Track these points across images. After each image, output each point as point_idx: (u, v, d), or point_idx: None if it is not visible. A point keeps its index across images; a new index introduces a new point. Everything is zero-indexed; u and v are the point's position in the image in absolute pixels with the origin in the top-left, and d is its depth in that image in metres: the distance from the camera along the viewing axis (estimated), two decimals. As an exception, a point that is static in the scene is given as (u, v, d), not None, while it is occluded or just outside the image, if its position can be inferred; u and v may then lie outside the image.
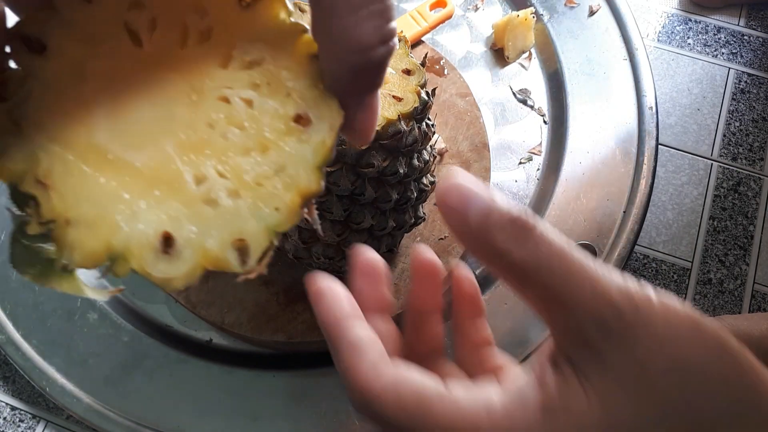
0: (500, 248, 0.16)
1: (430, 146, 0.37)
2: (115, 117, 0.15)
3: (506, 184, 0.49)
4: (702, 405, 0.16)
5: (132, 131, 0.15)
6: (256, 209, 0.15)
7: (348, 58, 0.15)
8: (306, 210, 0.15)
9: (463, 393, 0.17)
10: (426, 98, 0.32)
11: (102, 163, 0.14)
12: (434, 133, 0.36)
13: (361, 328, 0.19)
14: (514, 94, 0.53)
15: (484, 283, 0.46)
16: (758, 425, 0.16)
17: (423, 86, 0.33)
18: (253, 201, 0.15)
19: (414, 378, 0.18)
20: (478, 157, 0.47)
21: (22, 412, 0.45)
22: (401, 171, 0.33)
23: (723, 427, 0.16)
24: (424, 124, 0.34)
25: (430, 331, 0.22)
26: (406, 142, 0.32)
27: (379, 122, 0.30)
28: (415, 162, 0.34)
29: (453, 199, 0.17)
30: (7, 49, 0.15)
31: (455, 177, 0.17)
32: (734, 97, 0.58)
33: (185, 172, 0.14)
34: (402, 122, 0.31)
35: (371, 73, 0.16)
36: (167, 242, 0.14)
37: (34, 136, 0.14)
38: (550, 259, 0.16)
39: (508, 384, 0.18)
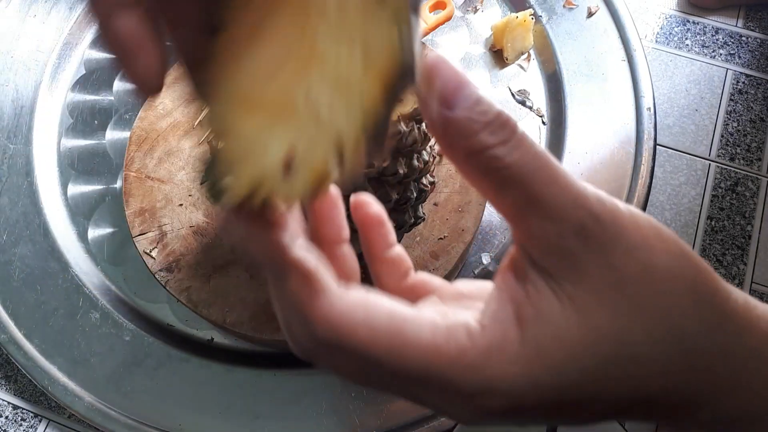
0: (484, 144, 0.15)
1: (430, 147, 0.37)
2: (256, 65, 0.16)
3: (505, 185, 0.50)
4: (671, 307, 0.16)
5: (265, 73, 0.16)
6: (348, 111, 0.15)
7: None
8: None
9: (438, 316, 0.16)
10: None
11: (247, 108, 0.16)
12: None
13: (309, 251, 0.16)
14: (512, 95, 0.53)
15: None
16: (717, 323, 0.16)
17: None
18: (345, 104, 0.15)
19: (383, 301, 0.16)
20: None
21: (24, 411, 0.45)
22: (401, 171, 0.33)
23: (690, 327, 0.16)
24: (423, 124, 0.34)
25: (346, 261, 0.19)
26: (406, 142, 0.32)
27: None
28: (415, 162, 0.35)
29: (444, 76, 0.16)
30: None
31: (445, 60, 0.16)
32: (732, 97, 0.58)
33: (299, 97, 0.15)
34: (402, 123, 0.31)
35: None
36: (287, 166, 0.15)
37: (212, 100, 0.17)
38: (535, 162, 0.15)
39: (477, 303, 0.17)
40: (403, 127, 0.31)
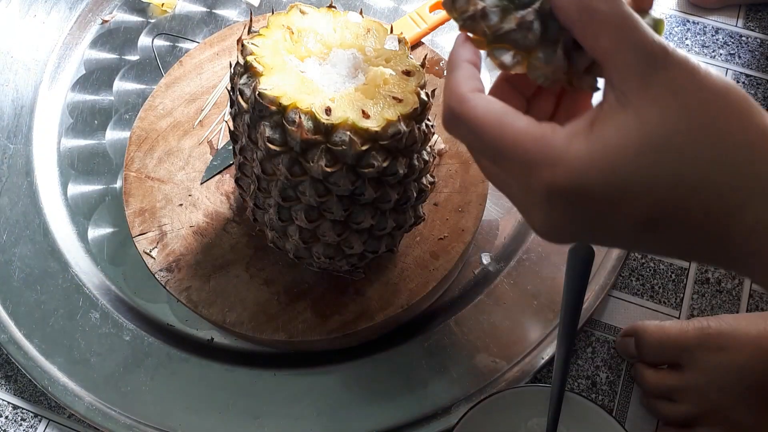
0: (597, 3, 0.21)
1: (430, 147, 0.37)
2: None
3: (505, 185, 0.50)
4: (714, 113, 0.20)
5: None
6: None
7: None
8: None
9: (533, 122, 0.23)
10: (426, 99, 0.33)
11: None
12: (434, 133, 0.36)
13: (470, 64, 0.25)
14: (513, 94, 0.53)
15: (483, 282, 0.46)
16: (758, 137, 0.20)
17: (423, 87, 0.33)
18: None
19: (501, 103, 0.23)
20: (478, 158, 0.47)
21: (24, 410, 0.45)
22: (401, 171, 0.33)
23: (730, 131, 0.20)
24: (423, 124, 0.34)
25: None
26: (406, 142, 0.32)
27: (379, 123, 0.30)
28: (415, 162, 0.35)
29: None
30: None
31: None
32: (732, 97, 0.58)
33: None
34: (402, 123, 0.31)
35: None
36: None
37: None
38: (624, 13, 0.21)
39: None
40: (403, 127, 0.31)
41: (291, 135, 0.30)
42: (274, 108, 0.30)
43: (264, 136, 0.31)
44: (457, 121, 0.24)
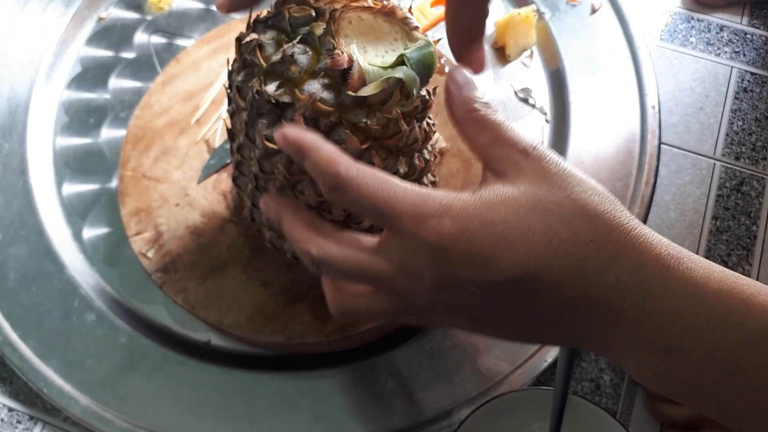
0: (476, 107, 0.28)
1: (431, 145, 0.37)
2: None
3: (507, 184, 0.49)
4: (577, 195, 0.25)
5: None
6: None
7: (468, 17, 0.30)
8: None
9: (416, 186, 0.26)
10: (427, 97, 0.32)
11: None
12: (435, 132, 0.36)
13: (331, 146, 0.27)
14: (515, 92, 0.53)
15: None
16: (607, 243, 0.24)
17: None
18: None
19: (380, 171, 0.26)
20: (479, 157, 0.46)
21: (20, 413, 0.45)
22: (401, 170, 0.32)
23: (587, 215, 0.24)
24: (425, 123, 0.33)
25: None
26: (407, 141, 0.32)
27: (380, 121, 0.30)
28: (416, 161, 0.34)
29: (458, 80, 0.29)
30: None
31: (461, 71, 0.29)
32: (737, 96, 0.57)
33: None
34: (402, 121, 0.31)
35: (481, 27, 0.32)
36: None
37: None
38: (499, 119, 0.27)
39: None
40: (403, 125, 0.31)
41: None
42: (272, 104, 0.30)
43: (262, 134, 0.31)
44: (345, 189, 0.25)
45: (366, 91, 0.28)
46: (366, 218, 0.28)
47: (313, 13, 0.30)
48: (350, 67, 0.28)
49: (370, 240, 0.27)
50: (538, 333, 0.26)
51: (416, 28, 0.30)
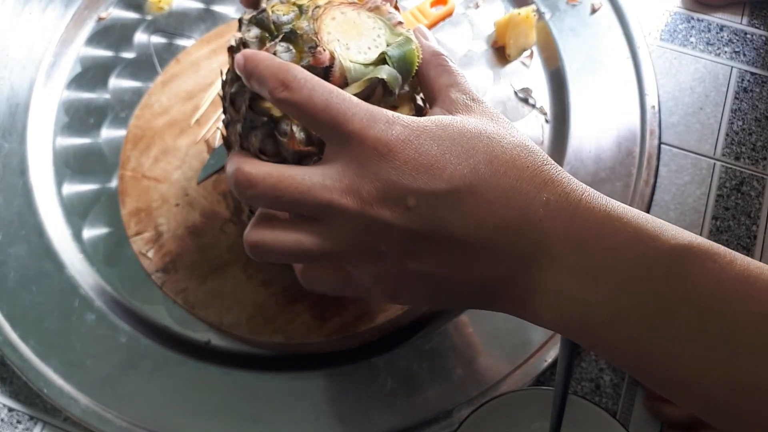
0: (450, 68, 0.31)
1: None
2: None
3: (507, 184, 0.49)
4: (516, 134, 0.27)
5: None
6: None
7: None
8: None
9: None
10: (422, 104, 0.32)
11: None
12: None
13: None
14: (515, 92, 0.53)
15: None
16: (533, 176, 0.26)
17: (418, 93, 0.32)
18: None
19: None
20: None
21: (20, 413, 0.44)
22: None
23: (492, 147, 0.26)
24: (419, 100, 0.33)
25: None
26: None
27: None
28: None
29: (424, 32, 0.33)
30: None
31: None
32: (737, 96, 0.57)
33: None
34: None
35: None
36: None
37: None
38: (456, 70, 0.30)
39: None
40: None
41: (283, 146, 0.30)
42: (265, 119, 0.30)
43: (255, 147, 0.31)
44: (298, 88, 0.25)
45: (348, 91, 0.28)
46: (312, 128, 0.26)
47: (297, 10, 0.30)
48: (332, 65, 0.28)
49: (307, 167, 0.26)
50: (466, 267, 0.25)
51: (400, 23, 0.30)
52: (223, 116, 0.35)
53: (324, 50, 0.28)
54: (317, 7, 0.30)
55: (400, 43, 0.29)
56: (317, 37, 0.29)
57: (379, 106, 0.28)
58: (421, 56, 0.30)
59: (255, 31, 0.31)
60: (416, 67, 0.30)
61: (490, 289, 0.26)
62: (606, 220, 0.24)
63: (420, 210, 0.24)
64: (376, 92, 0.29)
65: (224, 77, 0.33)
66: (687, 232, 0.24)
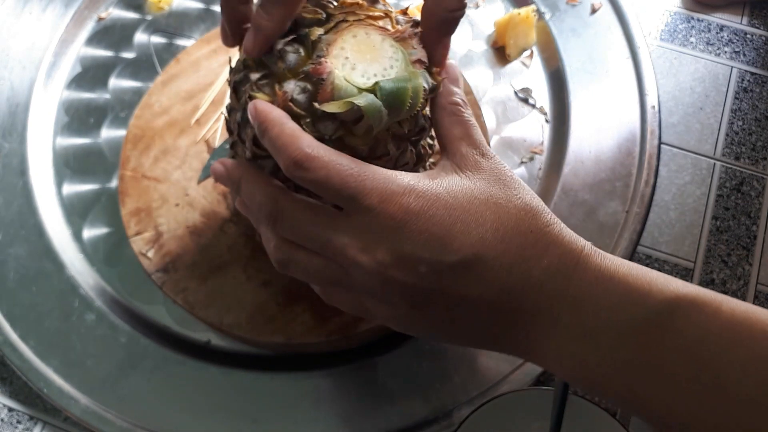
0: (460, 102, 0.31)
1: (429, 143, 0.36)
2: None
3: (507, 184, 0.49)
4: (522, 196, 0.28)
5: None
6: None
7: (440, 14, 0.29)
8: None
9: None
10: (422, 152, 0.32)
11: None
12: (431, 153, 0.36)
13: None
14: (515, 92, 0.53)
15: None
16: (537, 238, 0.27)
17: (423, 137, 0.33)
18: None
19: (343, 154, 0.27)
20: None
21: (20, 413, 0.44)
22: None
23: (520, 220, 0.28)
24: (420, 145, 0.33)
25: None
26: (396, 163, 0.32)
27: (365, 141, 0.30)
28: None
29: (450, 72, 0.32)
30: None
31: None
32: (737, 96, 0.57)
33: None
34: (392, 144, 0.30)
35: (452, 24, 0.30)
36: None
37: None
38: (472, 120, 0.30)
39: None
40: (392, 148, 0.30)
41: None
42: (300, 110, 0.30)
43: (250, 137, 0.31)
44: (309, 166, 0.26)
45: (327, 107, 0.27)
46: (327, 197, 0.27)
47: (323, 17, 0.30)
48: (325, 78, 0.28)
49: (331, 209, 0.28)
50: (471, 326, 0.28)
51: (419, 61, 0.29)
52: (226, 105, 0.35)
53: (326, 62, 0.28)
54: (344, 20, 0.29)
55: (399, 78, 0.28)
56: (327, 49, 0.28)
57: (368, 131, 0.29)
58: (426, 98, 0.29)
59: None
60: (409, 106, 0.28)
61: (491, 339, 0.28)
62: (599, 282, 0.26)
63: (430, 276, 0.26)
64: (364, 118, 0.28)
65: (232, 64, 0.33)
66: (674, 282, 0.26)
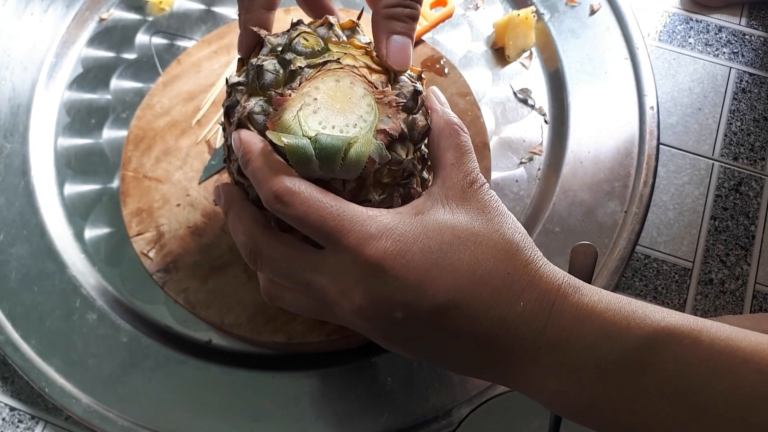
0: (461, 127, 0.31)
1: (423, 177, 0.36)
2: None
3: (507, 184, 0.49)
4: (504, 230, 0.27)
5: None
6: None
7: (380, 11, 0.29)
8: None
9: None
10: (411, 167, 0.32)
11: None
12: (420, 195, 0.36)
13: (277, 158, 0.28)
14: (514, 93, 0.53)
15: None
16: (519, 277, 0.26)
17: (400, 183, 0.32)
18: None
19: (325, 191, 0.27)
20: (479, 157, 0.47)
21: (21, 412, 0.45)
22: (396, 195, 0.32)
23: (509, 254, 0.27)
24: (409, 186, 0.33)
25: None
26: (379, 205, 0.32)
27: (347, 185, 0.29)
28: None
29: (440, 97, 0.32)
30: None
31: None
32: (735, 96, 0.58)
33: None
34: (373, 191, 0.30)
35: (394, 22, 0.29)
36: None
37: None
38: (468, 145, 0.30)
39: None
40: (375, 196, 0.30)
41: None
42: (255, 130, 0.30)
43: (235, 166, 0.31)
44: (289, 201, 0.26)
45: (269, 134, 0.27)
46: (307, 233, 0.27)
47: (317, 49, 0.30)
48: (278, 111, 0.28)
49: (309, 249, 0.28)
50: (451, 360, 0.28)
51: (383, 132, 0.28)
52: (223, 104, 0.35)
53: (290, 96, 0.28)
54: (334, 60, 0.29)
55: (338, 138, 0.27)
56: (301, 83, 0.28)
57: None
58: (364, 160, 0.28)
59: (278, 41, 0.31)
60: (341, 168, 0.27)
61: (475, 370, 0.28)
62: (576, 322, 0.26)
63: (407, 321, 0.26)
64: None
65: (229, 83, 0.33)
66: (653, 314, 0.25)
